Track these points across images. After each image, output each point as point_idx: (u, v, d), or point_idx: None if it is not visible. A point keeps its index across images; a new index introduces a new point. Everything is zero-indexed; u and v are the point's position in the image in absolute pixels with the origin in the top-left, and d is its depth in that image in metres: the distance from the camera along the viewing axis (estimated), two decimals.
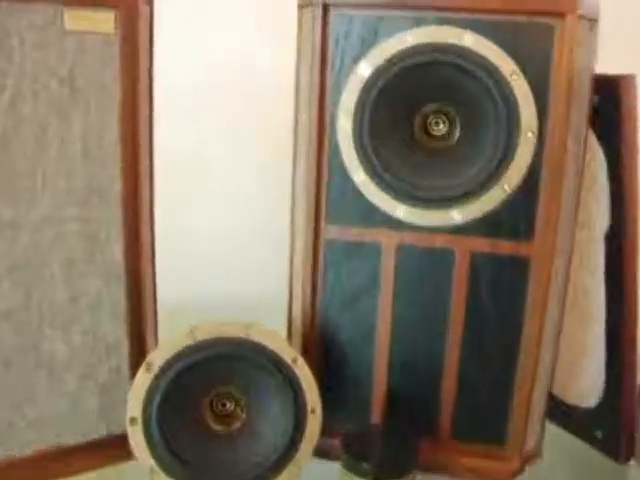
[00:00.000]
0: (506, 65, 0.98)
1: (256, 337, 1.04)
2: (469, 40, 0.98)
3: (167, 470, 1.02)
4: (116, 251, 1.04)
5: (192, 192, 1.60)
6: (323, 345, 1.14)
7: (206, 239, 1.63)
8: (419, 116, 1.05)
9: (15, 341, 1.01)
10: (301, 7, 1.08)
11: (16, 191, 0.96)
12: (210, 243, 1.63)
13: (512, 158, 1.01)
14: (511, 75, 0.98)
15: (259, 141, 1.59)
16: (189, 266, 1.55)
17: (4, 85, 0.93)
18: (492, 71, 0.98)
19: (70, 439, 1.08)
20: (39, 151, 0.96)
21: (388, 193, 1.06)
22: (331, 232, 1.09)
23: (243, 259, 1.63)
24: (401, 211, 1.06)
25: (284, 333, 1.18)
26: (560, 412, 1.23)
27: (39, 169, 0.97)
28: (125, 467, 1.10)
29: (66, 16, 0.95)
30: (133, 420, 1.02)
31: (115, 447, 1.09)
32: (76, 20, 0.95)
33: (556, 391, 1.22)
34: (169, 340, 1.03)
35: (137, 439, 1.02)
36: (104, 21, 0.97)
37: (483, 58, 0.98)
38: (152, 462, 1.02)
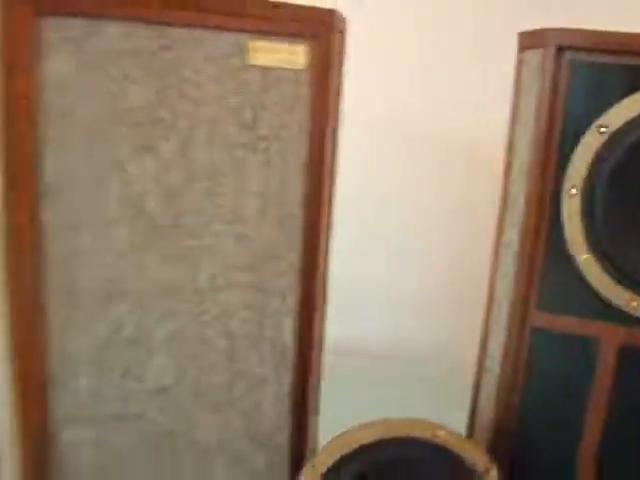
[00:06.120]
0: None
1: (444, 440, 0.86)
2: None
3: None
4: (286, 328, 0.87)
5: (379, 250, 1.43)
6: (516, 449, 0.94)
7: (388, 298, 1.46)
8: None
9: (166, 422, 0.86)
10: (523, 49, 0.88)
11: (181, 251, 0.80)
12: (393, 311, 1.46)
13: None
14: None
15: (461, 197, 1.40)
16: (356, 315, 1.39)
17: (175, 127, 0.77)
18: None
19: None
20: (210, 207, 0.80)
21: (616, 279, 0.86)
22: (540, 320, 0.89)
23: (426, 333, 1.45)
24: (632, 302, 0.84)
25: (453, 418, 0.98)
26: None
27: (208, 227, 0.81)
28: None
29: (251, 48, 0.78)
30: None
31: None
32: (262, 53, 0.78)
33: None
34: (340, 436, 0.88)
35: None
36: (294, 54, 0.80)
37: None
38: None
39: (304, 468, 0.88)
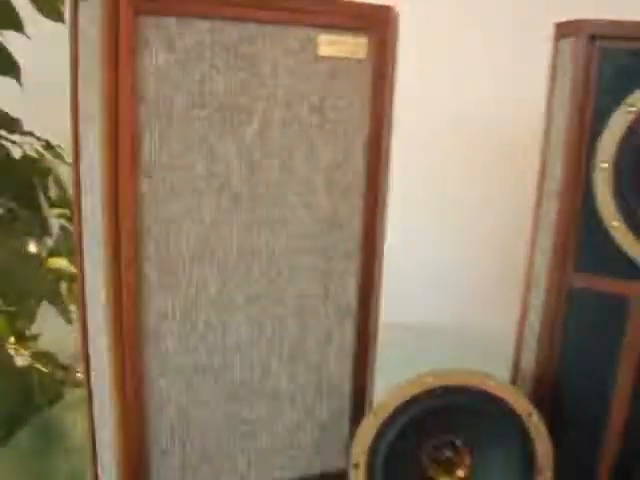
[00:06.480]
0: None
1: (490, 388, 0.97)
2: None
3: None
4: (350, 287, 0.99)
5: (424, 228, 1.53)
6: (554, 398, 1.05)
7: (432, 275, 1.56)
8: None
9: (242, 374, 0.98)
10: (559, 38, 0.99)
11: (257, 220, 0.93)
12: (435, 280, 1.57)
13: None
14: None
15: (499, 178, 1.51)
16: (408, 292, 1.50)
17: (255, 110, 0.89)
18: None
19: (285, 474, 1.05)
20: (284, 181, 0.92)
21: None
22: (577, 280, 1.00)
23: (468, 296, 1.56)
24: None
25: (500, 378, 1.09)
26: None
27: (283, 199, 0.94)
28: None
29: (320, 41, 0.90)
30: (357, 466, 0.97)
31: None
32: (329, 45, 0.90)
33: None
34: (398, 386, 0.98)
35: None
36: (357, 46, 0.92)
37: None
38: None
39: (366, 416, 0.99)
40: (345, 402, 1.05)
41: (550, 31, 1.02)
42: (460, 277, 1.59)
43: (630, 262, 0.97)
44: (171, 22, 0.84)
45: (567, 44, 0.98)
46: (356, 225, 0.97)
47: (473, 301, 1.56)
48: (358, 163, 0.95)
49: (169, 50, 0.85)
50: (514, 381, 1.12)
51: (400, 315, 1.44)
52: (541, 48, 1.05)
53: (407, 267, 1.56)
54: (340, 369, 1.03)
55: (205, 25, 0.86)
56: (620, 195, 0.95)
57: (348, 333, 1.01)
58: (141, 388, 0.93)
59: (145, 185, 0.87)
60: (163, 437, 0.97)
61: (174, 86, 0.86)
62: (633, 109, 0.92)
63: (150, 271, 0.91)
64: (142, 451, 0.95)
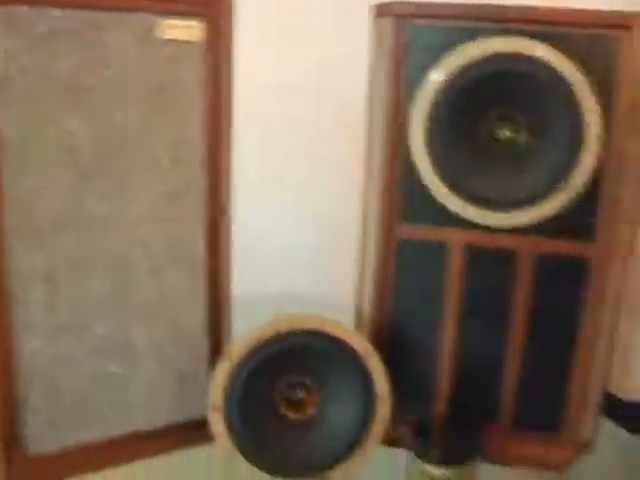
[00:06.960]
0: (574, 75, 1.04)
1: (330, 330, 1.09)
2: (539, 51, 1.04)
3: (246, 454, 1.09)
4: (199, 248, 1.12)
5: (267, 192, 1.62)
6: (391, 339, 1.19)
7: (279, 239, 1.65)
8: (488, 122, 1.10)
9: (104, 331, 1.08)
10: (376, 17, 1.13)
11: (108, 192, 1.04)
12: (282, 243, 1.66)
13: (577, 162, 1.07)
14: (578, 84, 1.03)
15: (333, 143, 1.60)
16: (261, 263, 1.59)
17: (102, 91, 1.00)
18: (560, 80, 1.04)
19: (150, 423, 1.16)
20: (130, 156, 1.04)
21: (457, 194, 1.11)
22: (403, 231, 1.14)
23: (312, 257, 1.66)
24: (469, 212, 1.11)
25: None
26: (616, 409, 1.27)
27: (132, 170, 1.05)
28: (199, 450, 1.17)
29: (160, 25, 1.01)
30: (214, 407, 1.08)
31: (192, 431, 1.16)
32: (170, 29, 1.01)
33: (614, 389, 1.26)
34: (249, 331, 1.08)
35: (218, 425, 1.08)
36: (195, 30, 1.03)
37: (552, 68, 1.04)
38: (231, 447, 1.08)
39: (221, 360, 1.08)
40: (203, 352, 1.16)
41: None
42: (314, 249, 1.68)
43: (445, 211, 1.12)
44: (23, 10, 0.93)
45: (385, 22, 1.11)
46: (200, 194, 1.10)
47: (327, 269, 1.66)
48: (200, 138, 1.08)
49: (19, 36, 0.94)
50: (358, 327, 1.24)
51: (261, 286, 1.54)
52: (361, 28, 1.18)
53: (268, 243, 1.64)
54: (196, 321, 1.14)
55: (56, 12, 0.95)
56: (433, 152, 1.09)
57: (200, 288, 1.13)
58: (10, 356, 1.02)
59: (2, 160, 0.96)
60: (34, 398, 1.05)
61: (22, 69, 0.95)
62: (439, 77, 1.07)
63: (13, 240, 0.99)
64: (15, 416, 1.04)
